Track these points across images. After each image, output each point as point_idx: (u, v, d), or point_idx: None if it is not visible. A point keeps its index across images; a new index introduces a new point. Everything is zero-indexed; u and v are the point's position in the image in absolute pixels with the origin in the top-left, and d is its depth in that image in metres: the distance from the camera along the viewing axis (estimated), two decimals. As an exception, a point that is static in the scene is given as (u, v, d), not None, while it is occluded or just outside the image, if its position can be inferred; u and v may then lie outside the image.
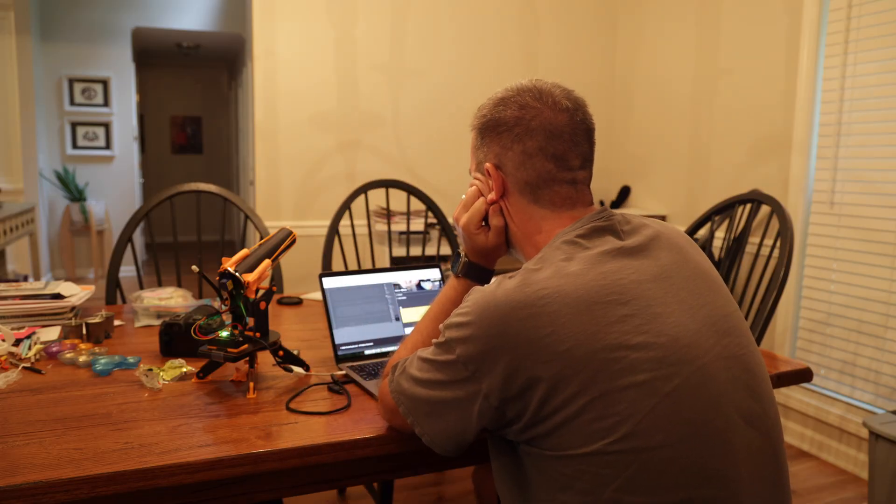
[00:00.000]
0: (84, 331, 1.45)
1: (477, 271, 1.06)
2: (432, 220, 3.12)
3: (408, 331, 1.41)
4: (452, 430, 0.87)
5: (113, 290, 1.93)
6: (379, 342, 1.40)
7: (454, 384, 0.84)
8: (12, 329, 1.45)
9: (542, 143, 0.93)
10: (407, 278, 1.48)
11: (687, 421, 0.77)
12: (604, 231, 0.90)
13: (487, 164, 0.98)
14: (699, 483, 0.77)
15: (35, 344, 1.36)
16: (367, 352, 1.38)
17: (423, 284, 1.49)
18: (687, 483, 0.77)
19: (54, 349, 1.34)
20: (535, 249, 0.96)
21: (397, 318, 1.44)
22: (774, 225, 2.68)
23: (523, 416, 0.80)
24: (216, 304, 1.59)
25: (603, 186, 3.87)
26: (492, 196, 0.99)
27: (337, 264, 2.99)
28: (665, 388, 0.77)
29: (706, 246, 2.22)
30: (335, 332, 1.36)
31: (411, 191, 2.45)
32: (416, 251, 3.14)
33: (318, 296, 1.91)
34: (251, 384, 1.16)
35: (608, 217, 0.92)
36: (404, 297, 1.46)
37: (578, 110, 0.95)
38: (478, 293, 0.85)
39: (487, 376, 0.81)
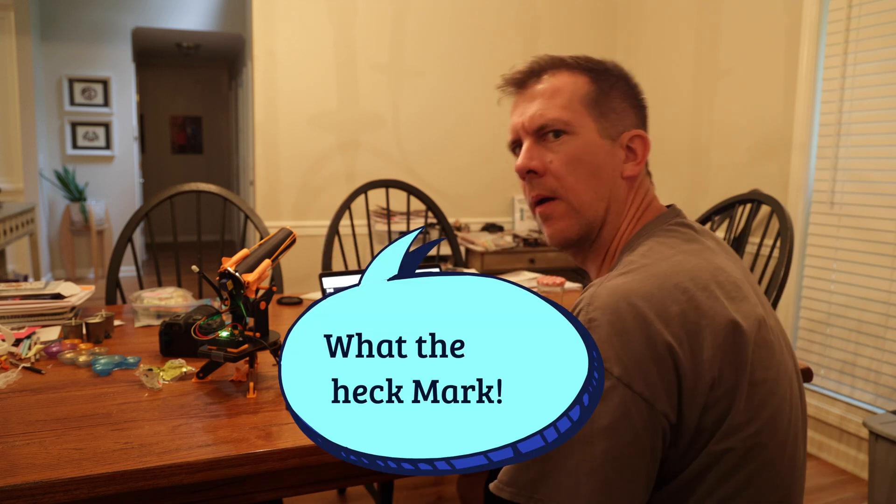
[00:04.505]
0: (84, 331, 1.45)
1: None
2: (432, 219, 3.12)
3: None
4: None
5: (113, 290, 1.93)
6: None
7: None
8: (12, 329, 1.44)
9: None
10: None
11: (788, 424, 0.76)
12: (687, 226, 0.87)
13: (636, 132, 0.90)
14: (789, 484, 0.76)
15: (35, 344, 1.36)
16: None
17: None
18: (782, 485, 0.75)
19: (54, 349, 1.34)
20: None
21: None
22: (774, 225, 2.68)
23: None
24: (216, 304, 1.59)
25: (603, 186, 3.86)
26: (636, 168, 0.89)
27: (337, 264, 2.99)
28: (783, 386, 0.75)
29: (706, 246, 2.22)
30: None
31: (411, 191, 2.45)
32: (416, 251, 3.13)
33: (317, 296, 1.91)
34: (251, 384, 1.16)
35: (678, 213, 0.89)
36: None
37: None
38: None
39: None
